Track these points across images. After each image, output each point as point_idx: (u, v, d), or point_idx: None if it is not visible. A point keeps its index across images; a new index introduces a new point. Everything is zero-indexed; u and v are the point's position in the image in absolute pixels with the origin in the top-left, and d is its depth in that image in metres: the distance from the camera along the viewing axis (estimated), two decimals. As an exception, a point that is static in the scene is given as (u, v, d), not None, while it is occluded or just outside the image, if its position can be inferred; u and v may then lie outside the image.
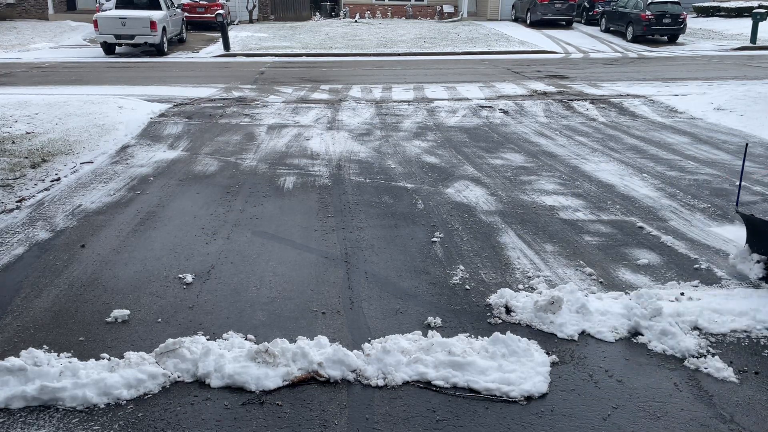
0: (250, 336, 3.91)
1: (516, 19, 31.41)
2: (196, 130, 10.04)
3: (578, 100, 12.84)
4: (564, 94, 13.51)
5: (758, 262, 4.76)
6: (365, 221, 6.00)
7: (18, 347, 3.73)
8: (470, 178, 7.43)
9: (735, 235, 5.58)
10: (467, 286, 4.64)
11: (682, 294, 4.46)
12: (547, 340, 3.92)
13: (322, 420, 3.20)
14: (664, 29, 24.04)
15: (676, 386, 3.49)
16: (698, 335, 3.96)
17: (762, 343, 3.91)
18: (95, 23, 19.87)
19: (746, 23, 25.27)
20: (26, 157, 8.00)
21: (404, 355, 3.64)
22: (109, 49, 20.80)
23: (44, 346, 3.78)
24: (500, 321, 4.15)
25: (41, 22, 28.80)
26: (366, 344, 3.80)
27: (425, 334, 3.92)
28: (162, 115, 11.20)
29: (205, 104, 12.43)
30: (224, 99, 13.09)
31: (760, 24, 23.14)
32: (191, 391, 3.43)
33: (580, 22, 30.02)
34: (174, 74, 16.82)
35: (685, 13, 24.15)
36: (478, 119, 11.01)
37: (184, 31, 24.21)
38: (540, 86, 14.63)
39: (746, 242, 4.96)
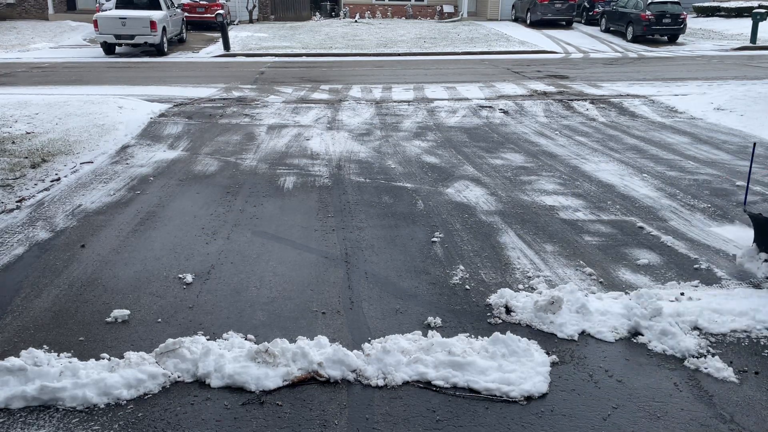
0: (250, 336, 3.91)
1: (516, 19, 31.41)
2: (196, 130, 10.04)
3: (578, 100, 12.84)
4: (564, 94, 13.50)
5: (766, 261, 4.84)
6: (365, 221, 6.00)
7: (18, 347, 3.73)
8: (470, 178, 7.43)
9: (735, 235, 5.59)
10: (467, 286, 4.65)
11: (682, 294, 4.46)
12: (547, 340, 3.92)
13: (322, 420, 3.21)
14: (664, 29, 24.05)
15: (676, 386, 3.49)
16: (698, 335, 3.97)
17: (762, 343, 3.91)
18: (95, 23, 19.87)
19: (746, 23, 25.28)
20: (26, 157, 8.00)
21: (404, 355, 3.64)
22: (109, 49, 20.81)
23: (44, 346, 3.78)
24: (500, 321, 4.15)
25: (41, 22, 28.80)
26: (366, 344, 3.80)
27: (425, 334, 3.92)
28: (162, 115, 11.20)
29: (205, 104, 12.43)
30: (224, 99, 13.09)
31: (760, 24, 23.15)
32: (191, 391, 3.44)
33: (580, 22, 30.02)
34: (174, 74, 16.81)
35: (685, 13, 24.16)
36: (478, 119, 11.01)
37: (184, 31, 24.22)
38: (540, 86, 14.63)
39: (754, 241, 5.03)
